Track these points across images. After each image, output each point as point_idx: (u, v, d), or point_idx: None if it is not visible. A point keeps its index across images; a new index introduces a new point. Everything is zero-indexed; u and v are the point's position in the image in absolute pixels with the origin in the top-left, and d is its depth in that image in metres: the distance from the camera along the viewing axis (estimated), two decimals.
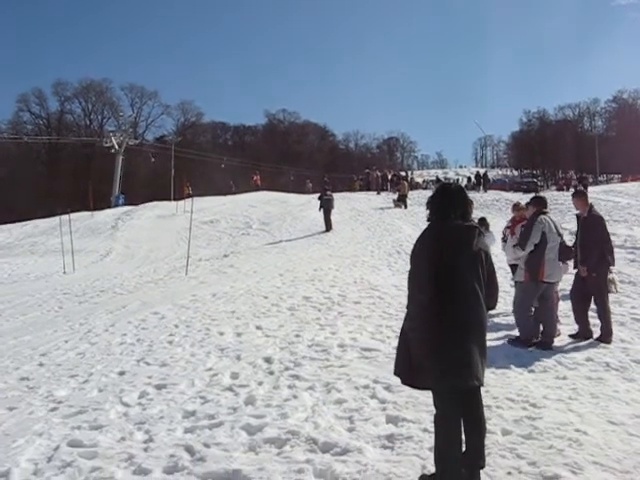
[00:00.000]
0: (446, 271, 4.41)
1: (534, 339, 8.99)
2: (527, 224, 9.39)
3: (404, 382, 4.74)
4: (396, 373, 4.79)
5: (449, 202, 4.65)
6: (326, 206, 28.96)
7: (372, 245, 22.94)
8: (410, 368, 4.52)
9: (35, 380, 8.92)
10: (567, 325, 9.80)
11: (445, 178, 72.92)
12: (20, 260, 28.94)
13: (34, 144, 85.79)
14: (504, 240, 11.48)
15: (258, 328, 10.72)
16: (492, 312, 4.70)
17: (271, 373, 7.94)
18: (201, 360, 8.91)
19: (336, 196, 32.80)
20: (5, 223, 45.17)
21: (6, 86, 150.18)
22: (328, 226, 28.70)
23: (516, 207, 11.30)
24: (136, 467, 5.32)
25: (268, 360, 8.53)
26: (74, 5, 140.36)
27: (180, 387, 7.62)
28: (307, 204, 37.52)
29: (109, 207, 53.03)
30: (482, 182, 46.92)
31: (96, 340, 11.24)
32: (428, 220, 4.79)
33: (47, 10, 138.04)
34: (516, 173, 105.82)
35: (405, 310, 4.71)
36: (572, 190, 24.97)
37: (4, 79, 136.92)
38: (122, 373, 8.61)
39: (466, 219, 4.62)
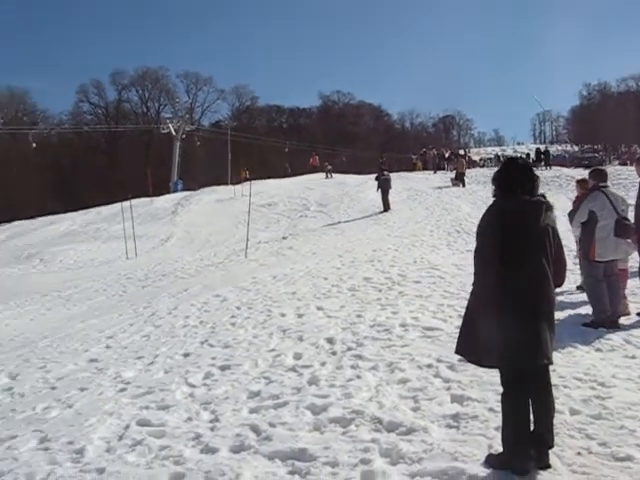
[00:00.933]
0: (513, 248, 4.34)
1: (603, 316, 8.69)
2: (577, 201, 9.12)
3: (469, 360, 4.70)
4: (458, 351, 4.74)
5: (515, 177, 4.56)
6: (384, 187, 28.80)
7: (431, 225, 22.78)
8: (476, 346, 4.46)
9: (103, 362, 9.15)
10: (636, 303, 9.55)
11: (503, 156, 71.59)
12: (84, 246, 29.57)
13: (94, 133, 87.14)
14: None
15: (319, 309, 10.76)
16: (557, 290, 4.61)
17: (334, 353, 7.95)
18: (264, 341, 8.99)
19: (393, 176, 32.60)
20: (70, 211, 46.18)
21: (66, 78, 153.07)
22: (386, 206, 28.57)
23: (580, 183, 11.01)
24: (203, 446, 5.40)
25: (330, 341, 8.54)
26: None
27: (244, 368, 7.70)
28: (364, 185, 37.41)
29: (168, 193, 53.62)
30: (543, 159, 45.94)
31: (160, 323, 11.44)
32: (494, 196, 4.70)
33: (101, 3, 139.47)
34: (576, 148, 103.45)
35: (467, 289, 4.65)
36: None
37: (64, 72, 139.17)
38: (186, 355, 8.75)
39: (533, 194, 4.53)
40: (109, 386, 7.79)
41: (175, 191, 54.75)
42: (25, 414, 7.24)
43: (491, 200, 4.74)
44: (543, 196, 4.57)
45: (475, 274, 4.61)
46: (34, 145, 67.27)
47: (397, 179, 35.06)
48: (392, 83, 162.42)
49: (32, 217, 46.85)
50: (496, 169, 4.95)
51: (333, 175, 47.90)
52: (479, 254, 4.59)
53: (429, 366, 7.02)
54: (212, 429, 5.79)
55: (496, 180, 4.69)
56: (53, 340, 11.91)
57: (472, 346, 4.52)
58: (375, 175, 30.85)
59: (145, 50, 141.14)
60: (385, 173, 29.61)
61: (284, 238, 25.01)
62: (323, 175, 47.24)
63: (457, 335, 4.81)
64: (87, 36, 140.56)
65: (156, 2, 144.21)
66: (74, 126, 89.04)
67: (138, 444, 5.60)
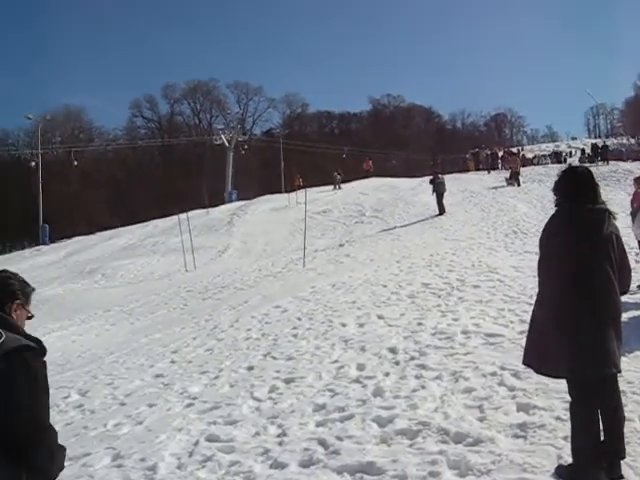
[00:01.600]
0: (577, 256, 4.32)
1: None
2: (635, 198, 8.94)
3: (537, 371, 4.68)
4: (526, 362, 4.72)
5: (578, 186, 4.53)
6: (438, 190, 28.65)
7: (487, 226, 22.55)
8: (544, 357, 4.44)
9: (169, 377, 9.31)
10: None
11: (557, 152, 70.36)
12: (144, 260, 30.06)
13: (148, 147, 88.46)
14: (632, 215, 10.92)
15: (380, 318, 10.74)
16: None
17: (397, 363, 7.94)
18: (326, 352, 9.04)
19: (446, 178, 32.39)
20: (127, 225, 47.00)
21: (120, 94, 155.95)
22: (441, 209, 28.39)
23: (638, 181, 10.80)
24: (272, 461, 5.46)
25: (393, 350, 8.53)
26: (173, 10, 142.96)
27: (308, 380, 7.76)
28: (418, 188, 37.27)
29: (223, 203, 54.15)
30: (600, 153, 45.00)
31: (222, 336, 11.58)
32: (556, 205, 4.68)
33: (151, 19, 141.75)
34: (632, 141, 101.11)
35: (527, 292, 4.63)
36: None
37: (118, 88, 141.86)
38: (250, 368, 8.84)
39: (596, 202, 4.50)
40: (176, 402, 7.93)
41: (230, 201, 55.26)
42: (97, 431, 7.44)
43: (547, 199, 4.72)
44: (605, 204, 4.55)
45: (540, 284, 4.59)
46: (75, 163, 68.82)
47: (451, 181, 34.82)
48: (442, 83, 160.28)
49: (91, 232, 47.85)
50: (551, 166, 4.92)
51: (342, 186, 45.41)
52: (543, 263, 4.58)
53: (493, 374, 6.96)
54: (280, 444, 5.85)
55: (558, 189, 4.66)
56: (119, 356, 12.17)
57: (540, 357, 4.50)
58: (430, 178, 30.69)
59: (194, 62, 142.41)
60: (439, 176, 29.48)
61: (341, 245, 25.05)
62: (375, 182, 46.86)
63: (520, 341, 4.81)
64: (138, 52, 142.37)
65: (201, 15, 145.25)
66: (129, 141, 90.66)
67: (208, 460, 5.70)
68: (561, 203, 4.62)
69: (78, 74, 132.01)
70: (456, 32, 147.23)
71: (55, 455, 3.01)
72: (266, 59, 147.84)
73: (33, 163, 66.06)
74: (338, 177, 46.56)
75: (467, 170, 52.19)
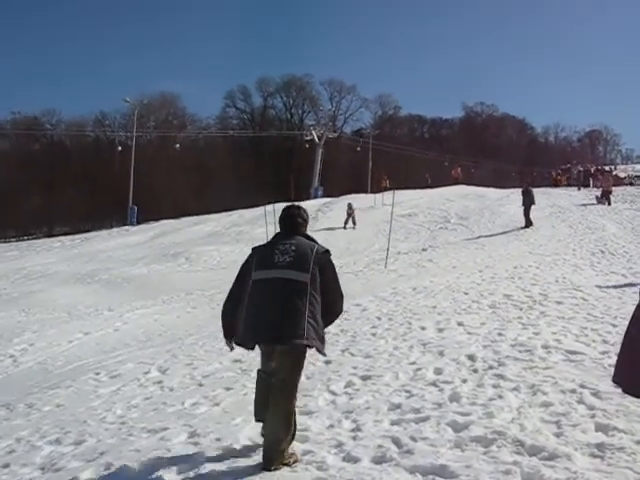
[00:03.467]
0: None
1: None
2: None
3: (626, 390, 4.58)
4: (615, 380, 4.62)
5: None
6: (527, 201, 28.28)
7: (574, 243, 22.12)
8: (636, 376, 4.34)
9: (247, 363, 9.48)
10: None
11: None
12: (227, 248, 30.57)
13: (239, 138, 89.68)
14: None
15: (460, 324, 10.70)
16: None
17: (475, 371, 7.90)
18: (404, 354, 9.06)
19: (535, 191, 31.89)
20: (213, 212, 47.83)
21: (215, 84, 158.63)
22: (528, 222, 28.00)
23: None
24: (345, 454, 5.51)
25: (471, 357, 8.48)
26: (276, 1, 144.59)
27: (385, 379, 7.80)
28: (505, 199, 36.82)
29: (308, 198, 54.55)
30: None
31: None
32: None
33: (252, 11, 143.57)
34: None
35: (611, 313, 4.54)
36: None
37: (213, 77, 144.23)
38: (328, 362, 8.88)
39: None
40: (252, 387, 8.06)
41: (315, 197, 55.66)
42: (175, 408, 7.68)
43: (638, 221, 4.62)
44: None
45: None
46: (177, 146, 70.52)
47: (540, 195, 34.23)
48: (537, 94, 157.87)
49: (178, 217, 48.85)
50: None
51: (356, 223, 34.61)
52: None
53: (572, 391, 6.86)
54: (354, 438, 5.90)
55: None
56: (199, 338, 12.47)
57: (632, 376, 4.38)
58: (522, 189, 30.28)
59: (291, 56, 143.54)
60: (529, 188, 29.09)
61: (424, 250, 24.97)
62: (462, 189, 46.29)
63: (602, 361, 4.74)
64: (237, 43, 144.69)
65: (302, 9, 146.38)
66: (220, 130, 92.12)
67: None
68: None
69: (177, 61, 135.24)
70: (558, 44, 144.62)
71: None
72: (362, 58, 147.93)
73: (120, 148, 68.35)
74: (350, 210, 35.10)
75: (557, 185, 51.30)
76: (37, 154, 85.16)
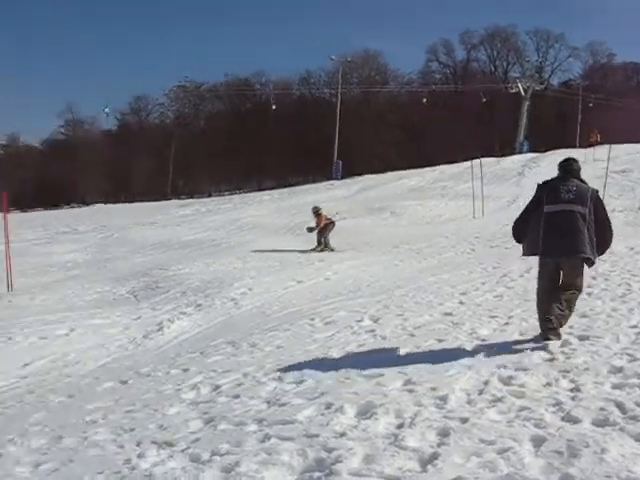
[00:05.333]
0: None
1: None
2: None
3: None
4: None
5: None
6: None
7: None
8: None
9: (458, 317, 9.50)
10: None
11: None
12: (432, 203, 30.55)
13: (441, 92, 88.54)
14: None
15: None
16: None
17: None
18: (624, 315, 8.67)
19: None
20: (416, 167, 47.90)
21: (417, 39, 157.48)
22: None
23: None
24: (564, 413, 5.34)
25: None
26: None
27: (604, 341, 7.47)
28: None
29: (513, 153, 53.19)
30: None
31: (512, 285, 11.55)
32: None
33: None
34: None
35: None
36: None
37: (415, 33, 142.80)
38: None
39: None
40: (465, 340, 8.08)
41: (520, 152, 54.20)
42: (389, 355, 7.80)
43: None
44: None
45: None
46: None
47: None
48: None
49: (382, 172, 49.34)
50: None
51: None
52: None
53: None
54: (573, 398, 5.70)
55: None
56: (408, 290, 12.59)
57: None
58: None
59: (495, 7, 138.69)
60: None
61: None
62: None
63: None
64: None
65: None
66: (422, 85, 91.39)
67: (498, 401, 5.71)
68: None
69: (380, 18, 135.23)
70: None
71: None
72: (570, 3, 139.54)
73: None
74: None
75: None
76: (247, 113, 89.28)
